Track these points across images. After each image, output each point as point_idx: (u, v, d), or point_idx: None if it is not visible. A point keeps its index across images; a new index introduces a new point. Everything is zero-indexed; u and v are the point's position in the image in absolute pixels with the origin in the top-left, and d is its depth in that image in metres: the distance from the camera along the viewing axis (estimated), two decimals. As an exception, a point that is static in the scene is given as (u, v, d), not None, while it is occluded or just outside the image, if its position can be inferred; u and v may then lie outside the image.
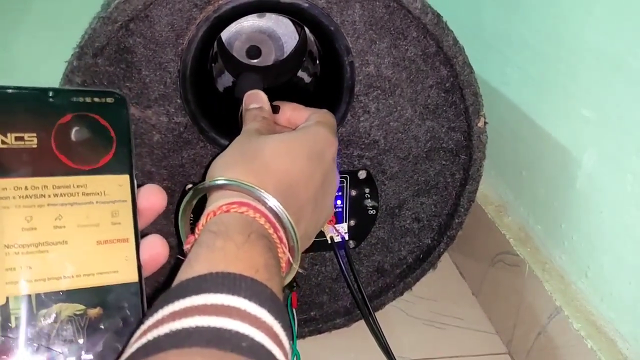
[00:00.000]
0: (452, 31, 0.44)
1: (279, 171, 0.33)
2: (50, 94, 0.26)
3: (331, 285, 0.54)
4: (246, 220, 0.29)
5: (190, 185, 0.47)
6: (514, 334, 0.54)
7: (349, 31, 0.43)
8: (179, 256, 0.29)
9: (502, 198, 0.61)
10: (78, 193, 0.26)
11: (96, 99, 0.27)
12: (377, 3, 0.43)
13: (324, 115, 0.40)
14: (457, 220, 0.52)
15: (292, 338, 0.25)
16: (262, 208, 0.30)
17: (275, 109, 0.41)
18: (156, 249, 0.29)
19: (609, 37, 0.43)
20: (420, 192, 0.51)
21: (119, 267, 0.27)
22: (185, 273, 0.25)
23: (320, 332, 0.55)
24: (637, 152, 0.41)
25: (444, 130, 0.48)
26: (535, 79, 0.54)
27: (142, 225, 0.29)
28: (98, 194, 0.27)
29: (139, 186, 0.29)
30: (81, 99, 0.27)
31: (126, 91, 0.43)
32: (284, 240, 0.31)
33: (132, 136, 0.28)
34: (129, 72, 0.42)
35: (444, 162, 0.50)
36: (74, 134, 0.26)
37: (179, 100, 0.44)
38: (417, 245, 0.54)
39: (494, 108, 0.49)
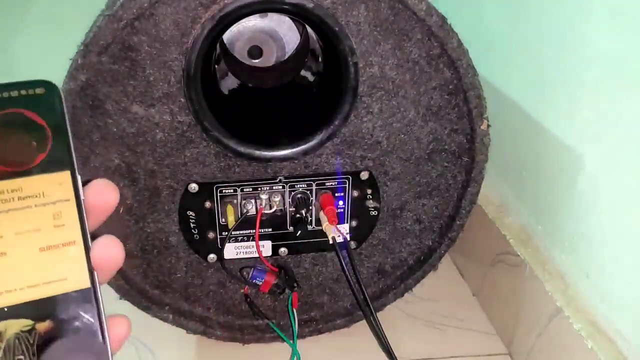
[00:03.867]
0: (456, 33, 0.44)
1: None
2: None
3: (332, 286, 0.54)
4: None
5: (193, 185, 0.47)
6: (514, 334, 0.54)
7: (354, 32, 0.43)
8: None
9: (503, 198, 0.61)
10: (13, 198, 0.24)
11: (24, 92, 0.24)
12: (382, 4, 0.43)
13: None
14: (458, 222, 0.52)
15: None
16: None
17: None
18: (109, 250, 0.26)
19: (610, 38, 0.43)
20: (421, 193, 0.51)
21: (67, 274, 0.24)
22: None
23: (320, 333, 0.55)
24: (637, 152, 0.41)
25: (446, 132, 0.49)
26: (536, 79, 0.54)
27: (93, 225, 0.26)
28: (36, 196, 0.24)
29: (86, 182, 0.26)
30: (6, 94, 0.24)
31: (130, 89, 0.43)
32: None
33: (69, 127, 0.25)
34: (134, 70, 0.42)
35: (446, 164, 0.50)
36: (1, 133, 0.24)
37: (182, 99, 0.44)
38: (418, 246, 0.54)
39: (494, 108, 0.49)
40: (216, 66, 0.55)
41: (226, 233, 0.49)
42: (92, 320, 0.25)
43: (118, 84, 0.42)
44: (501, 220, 0.59)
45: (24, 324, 0.23)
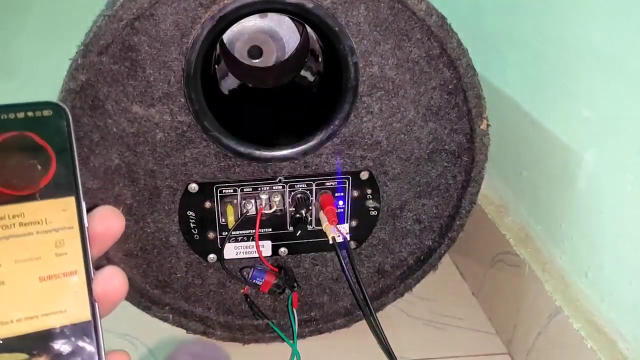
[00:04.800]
0: (456, 33, 0.44)
1: None
2: None
3: (332, 286, 0.54)
4: None
5: (193, 185, 0.47)
6: (514, 334, 0.54)
7: (354, 32, 0.44)
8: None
9: (503, 198, 0.61)
10: (14, 224, 0.23)
11: (30, 114, 0.23)
12: (382, 4, 0.43)
13: None
14: (458, 222, 0.52)
15: None
16: None
17: None
18: (113, 282, 0.25)
19: (609, 37, 0.44)
20: (421, 193, 0.51)
21: (67, 306, 0.23)
22: None
23: (320, 333, 0.55)
24: (637, 152, 0.41)
25: (446, 132, 0.49)
26: (535, 79, 0.54)
27: (96, 253, 0.25)
28: (38, 222, 0.23)
29: (90, 208, 0.25)
30: (11, 116, 0.23)
31: (130, 89, 0.43)
32: None
33: (75, 151, 0.24)
34: (133, 70, 0.42)
35: (445, 164, 0.50)
36: (4, 157, 0.23)
37: (182, 99, 0.44)
38: (418, 246, 0.54)
39: (494, 108, 0.49)
40: (216, 66, 0.55)
41: (226, 233, 0.49)
42: (91, 356, 0.23)
43: (118, 84, 0.42)
44: (501, 220, 0.59)
45: (19, 358, 0.22)
